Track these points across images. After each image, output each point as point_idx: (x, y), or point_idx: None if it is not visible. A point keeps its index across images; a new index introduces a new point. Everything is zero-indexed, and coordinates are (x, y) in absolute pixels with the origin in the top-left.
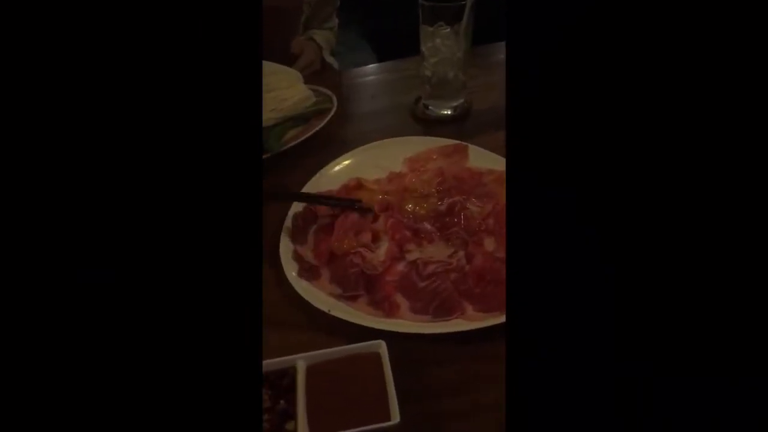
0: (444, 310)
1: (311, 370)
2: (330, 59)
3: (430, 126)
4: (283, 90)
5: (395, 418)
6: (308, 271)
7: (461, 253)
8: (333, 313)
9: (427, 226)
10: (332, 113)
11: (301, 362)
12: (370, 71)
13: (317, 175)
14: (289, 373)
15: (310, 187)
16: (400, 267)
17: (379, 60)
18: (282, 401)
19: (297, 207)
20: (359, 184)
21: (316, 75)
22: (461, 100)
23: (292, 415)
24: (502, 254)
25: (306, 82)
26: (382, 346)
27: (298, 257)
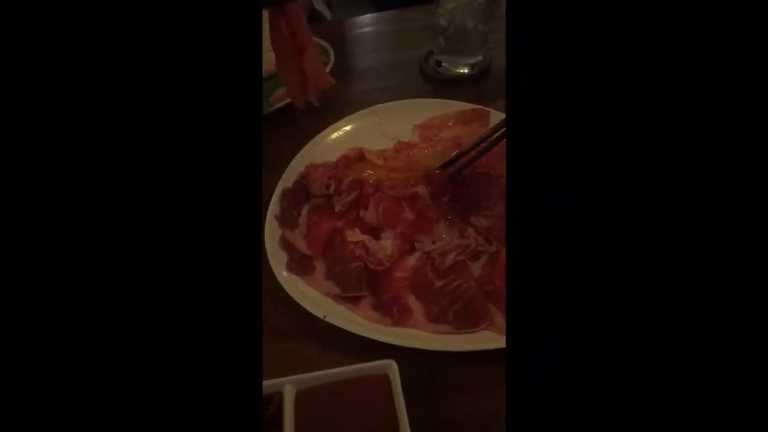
0: (468, 317)
1: (302, 397)
2: (321, 7)
3: (444, 87)
4: (267, 40)
5: None
6: (299, 264)
7: (471, 231)
8: (329, 320)
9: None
10: (328, 69)
11: (288, 387)
12: (371, 21)
13: (311, 143)
14: (274, 400)
15: (302, 158)
16: (412, 261)
17: (378, 11)
18: None
19: (286, 181)
20: (361, 155)
21: (308, 21)
22: (480, 57)
23: None
24: None
25: None
26: (392, 368)
27: (286, 245)
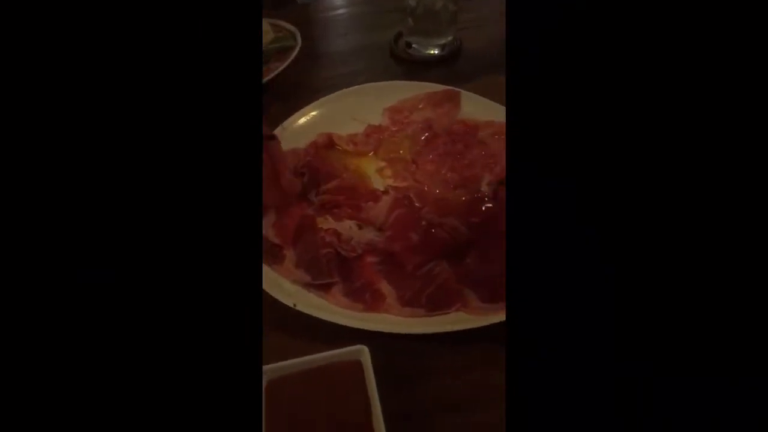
0: (441, 299)
1: (273, 387)
2: None
3: (414, 69)
4: None
5: None
6: (268, 253)
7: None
8: (299, 308)
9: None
10: (296, 53)
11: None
12: (340, 3)
13: (278, 128)
14: None
15: None
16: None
17: None
18: None
19: None
20: (330, 142)
21: (273, 7)
22: (450, 37)
23: None
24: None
25: (263, 16)
26: (364, 353)
27: None
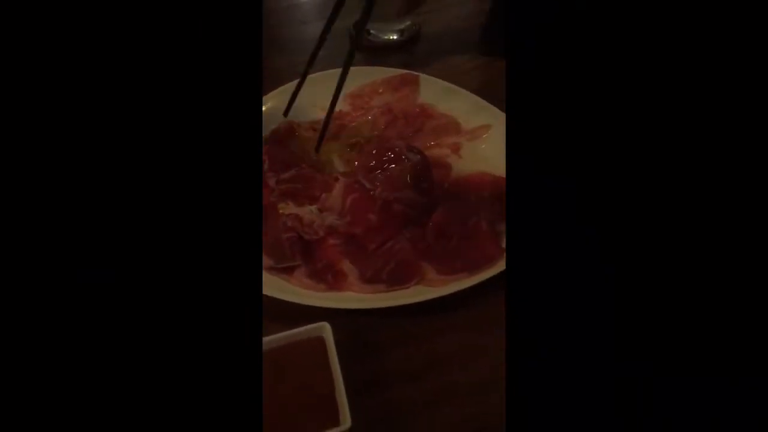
0: (400, 274)
1: None
2: None
3: (374, 54)
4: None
5: (346, 422)
6: None
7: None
8: (264, 291)
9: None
10: None
11: None
12: None
13: None
14: None
15: None
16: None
17: None
18: None
19: None
20: (292, 129)
21: None
22: (408, 22)
23: None
24: (467, 210)
25: None
26: (325, 329)
27: None
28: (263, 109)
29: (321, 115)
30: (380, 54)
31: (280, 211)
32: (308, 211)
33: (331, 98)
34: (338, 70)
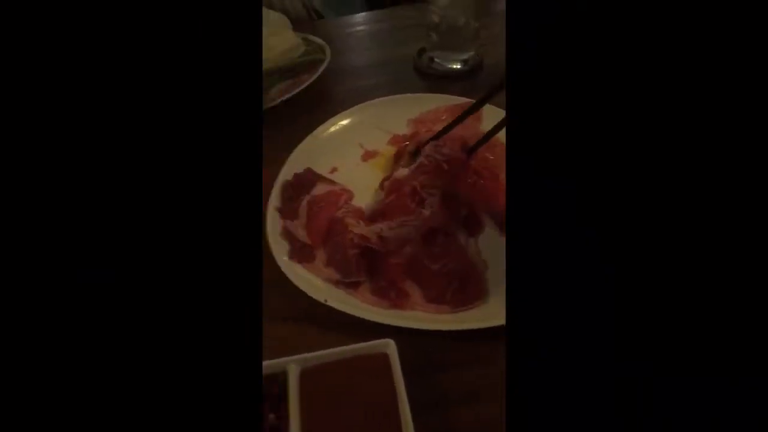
0: (464, 294)
1: (305, 376)
2: (318, 6)
3: (437, 82)
4: (268, 37)
5: None
6: (300, 252)
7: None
8: (330, 303)
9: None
10: (325, 65)
11: (293, 366)
12: (363, 20)
13: (309, 137)
14: (279, 379)
15: (300, 152)
16: (408, 249)
17: (370, 9)
18: (271, 415)
19: (286, 174)
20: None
21: (302, 23)
22: (472, 52)
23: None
24: None
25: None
26: (390, 346)
27: (288, 235)
28: (332, 129)
29: (385, 137)
30: (443, 82)
31: (349, 228)
32: (378, 230)
33: (395, 122)
34: (403, 96)
